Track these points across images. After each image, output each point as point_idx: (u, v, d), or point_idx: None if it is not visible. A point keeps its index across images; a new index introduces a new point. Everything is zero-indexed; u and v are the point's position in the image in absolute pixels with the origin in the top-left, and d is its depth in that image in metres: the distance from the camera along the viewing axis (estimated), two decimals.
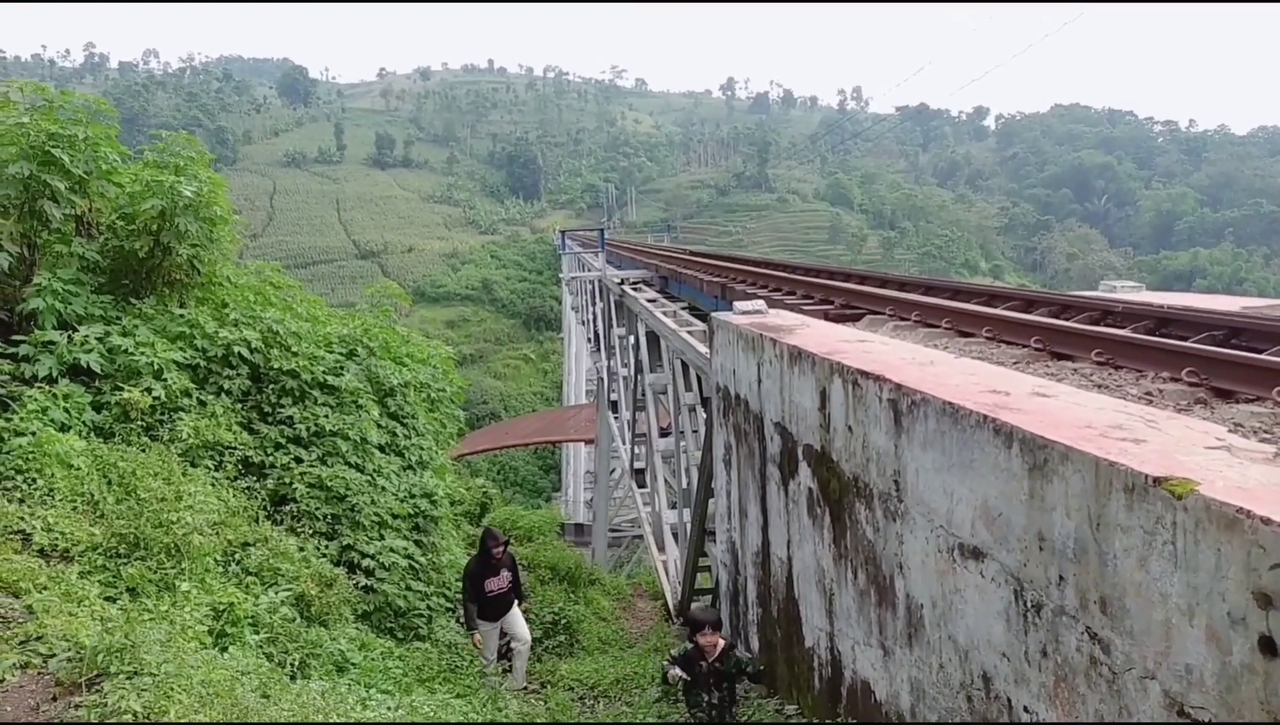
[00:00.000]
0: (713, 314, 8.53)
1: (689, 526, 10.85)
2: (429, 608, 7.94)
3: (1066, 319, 6.03)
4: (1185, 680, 2.69)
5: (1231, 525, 2.43)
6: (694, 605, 6.29)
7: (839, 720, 5.58)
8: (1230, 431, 3.31)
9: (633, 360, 17.26)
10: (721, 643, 6.05)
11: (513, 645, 8.70)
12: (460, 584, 8.67)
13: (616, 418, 22.60)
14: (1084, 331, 5.33)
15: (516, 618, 8.77)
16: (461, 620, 8.65)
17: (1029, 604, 3.46)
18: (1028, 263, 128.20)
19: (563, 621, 10.09)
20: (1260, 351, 4.29)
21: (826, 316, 8.07)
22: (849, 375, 5.01)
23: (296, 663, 4.89)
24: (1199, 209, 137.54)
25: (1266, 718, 2.39)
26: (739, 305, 7.89)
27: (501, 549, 8.47)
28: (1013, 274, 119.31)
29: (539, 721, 5.81)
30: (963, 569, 3.95)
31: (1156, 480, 2.71)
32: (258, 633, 4.77)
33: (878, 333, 7.06)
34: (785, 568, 6.52)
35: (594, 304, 27.46)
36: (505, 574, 8.55)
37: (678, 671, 5.88)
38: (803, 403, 5.80)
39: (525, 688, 8.45)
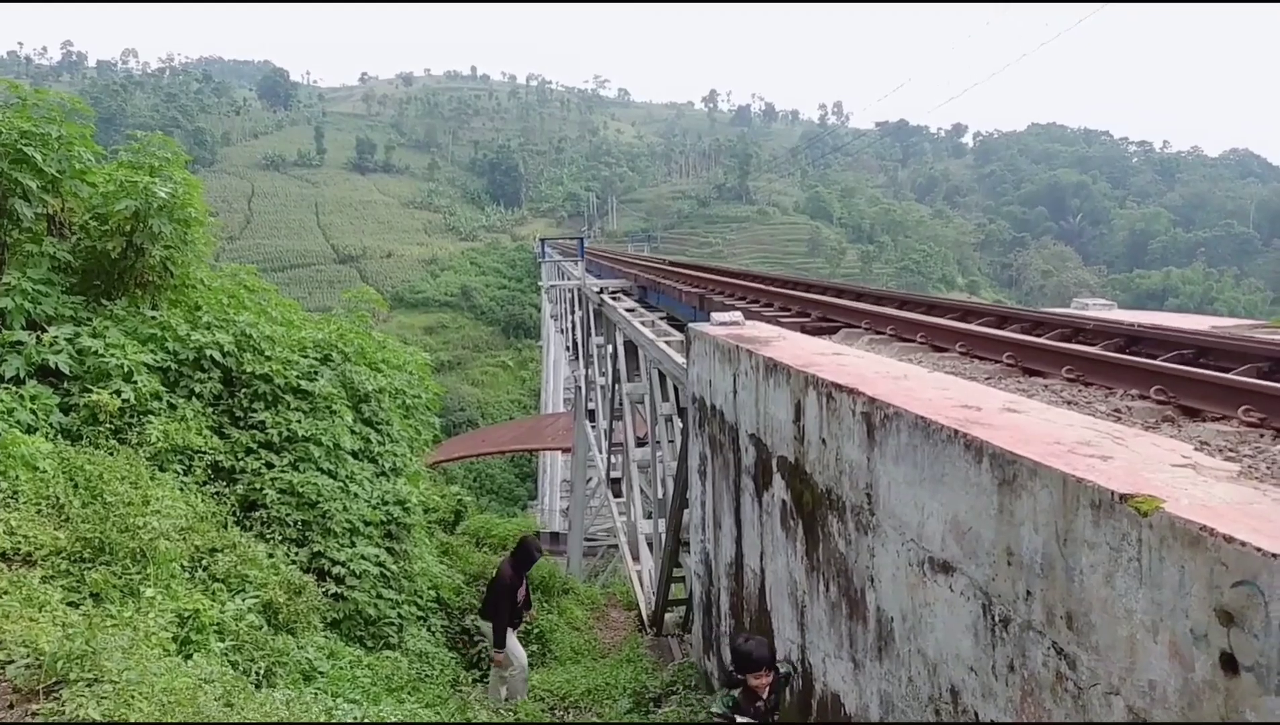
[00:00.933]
0: (690, 325, 8.55)
1: (664, 536, 10.84)
2: (400, 616, 7.85)
3: (1038, 336, 6.09)
4: (1149, 696, 2.71)
5: (1195, 543, 2.46)
6: (741, 639, 5.12)
7: None
8: (1196, 449, 3.36)
9: (610, 369, 17.25)
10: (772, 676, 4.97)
11: (516, 668, 8.55)
12: (483, 595, 8.59)
13: (594, 427, 22.56)
14: (1055, 348, 5.38)
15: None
16: (478, 627, 8.59)
17: (997, 618, 3.48)
18: (1003, 279, 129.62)
19: (535, 631, 10.03)
20: (1228, 371, 4.35)
21: (803, 329, 8.10)
22: (823, 388, 5.03)
23: (262, 671, 4.82)
24: (1172, 229, 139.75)
25: None
26: (716, 316, 7.91)
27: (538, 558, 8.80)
28: (989, 290, 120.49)
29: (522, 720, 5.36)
30: (932, 583, 3.97)
31: (1123, 497, 2.74)
32: (223, 640, 4.71)
33: (853, 346, 7.10)
34: (758, 579, 6.52)
35: (573, 312, 27.42)
36: (525, 583, 8.70)
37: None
38: (777, 414, 5.81)
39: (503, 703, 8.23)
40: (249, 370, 7.72)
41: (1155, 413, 4.02)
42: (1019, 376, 5.25)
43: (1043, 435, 3.51)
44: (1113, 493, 2.77)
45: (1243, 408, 3.72)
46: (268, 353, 7.96)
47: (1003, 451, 3.34)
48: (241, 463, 7.29)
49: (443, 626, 9.20)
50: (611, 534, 26.87)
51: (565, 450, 35.38)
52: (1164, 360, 4.78)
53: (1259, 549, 2.26)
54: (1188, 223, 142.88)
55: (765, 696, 4.75)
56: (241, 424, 7.58)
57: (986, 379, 5.28)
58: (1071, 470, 3.00)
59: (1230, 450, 3.38)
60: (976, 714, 3.70)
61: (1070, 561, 3.01)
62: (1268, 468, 3.09)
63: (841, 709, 5.15)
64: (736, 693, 4.75)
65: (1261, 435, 3.55)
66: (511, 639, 8.42)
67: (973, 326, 6.61)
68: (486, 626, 8.43)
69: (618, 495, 19.04)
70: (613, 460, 19.21)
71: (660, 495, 12.07)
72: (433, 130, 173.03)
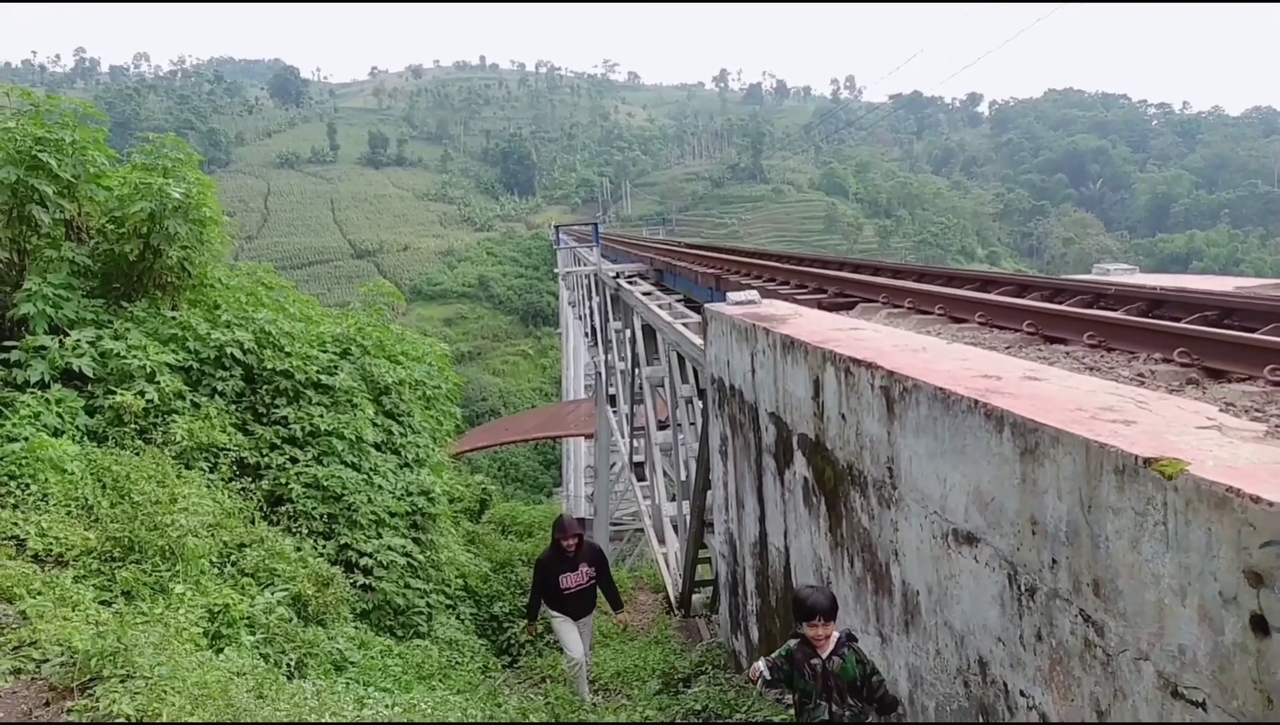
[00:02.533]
0: (706, 306, 8.52)
1: (688, 518, 10.85)
2: (428, 605, 7.92)
3: (1059, 303, 6.02)
4: (1179, 661, 2.68)
5: (1222, 504, 2.42)
6: (799, 585, 4.77)
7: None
8: (1221, 411, 3.30)
9: (629, 354, 17.24)
10: (836, 634, 4.36)
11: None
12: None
13: (615, 412, 22.58)
14: (1076, 315, 5.31)
15: (587, 627, 8.04)
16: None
17: (1023, 588, 3.45)
18: (1024, 248, 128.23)
19: None
20: (1253, 331, 4.28)
21: (820, 305, 8.05)
22: (841, 363, 4.99)
23: (293, 663, 4.88)
24: (1194, 191, 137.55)
25: (1259, 697, 2.39)
26: (732, 296, 7.87)
27: (574, 542, 7.64)
28: (1009, 260, 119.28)
29: (534, 722, 5.13)
30: (957, 554, 3.94)
31: (1147, 461, 2.70)
32: (254, 634, 4.76)
33: (870, 321, 7.04)
34: (783, 557, 6.51)
35: (590, 299, 27.42)
36: (586, 570, 7.75)
37: (761, 667, 4.34)
38: (796, 392, 5.78)
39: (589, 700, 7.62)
40: (270, 367, 7.78)
41: (1179, 376, 3.96)
42: (1040, 344, 5.19)
43: (1064, 402, 3.46)
44: (1136, 457, 2.73)
45: (1269, 367, 3.66)
46: (288, 349, 8.02)
47: (1024, 420, 3.30)
48: (266, 458, 7.36)
49: (471, 614, 9.28)
50: (637, 518, 26.96)
51: (588, 436, 35.51)
52: (1187, 322, 4.70)
53: None
54: (1210, 184, 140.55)
55: (825, 656, 4.15)
56: (265, 420, 7.65)
57: (1006, 348, 5.22)
58: (1094, 436, 2.96)
59: (1256, 410, 3.32)
60: (1005, 684, 3.68)
61: (1095, 528, 2.97)
62: None
63: None
64: (793, 643, 4.25)
65: None
66: (563, 627, 7.83)
67: (991, 296, 6.54)
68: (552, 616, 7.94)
69: (641, 479, 19.10)
70: (635, 444, 19.24)
71: (683, 477, 12.07)
72: (444, 122, 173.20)
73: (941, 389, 3.89)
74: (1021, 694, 3.62)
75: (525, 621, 8.04)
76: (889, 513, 4.61)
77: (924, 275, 8.66)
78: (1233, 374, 3.86)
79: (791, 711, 4.84)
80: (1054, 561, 3.23)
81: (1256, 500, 2.31)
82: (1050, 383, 3.88)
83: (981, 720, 4.02)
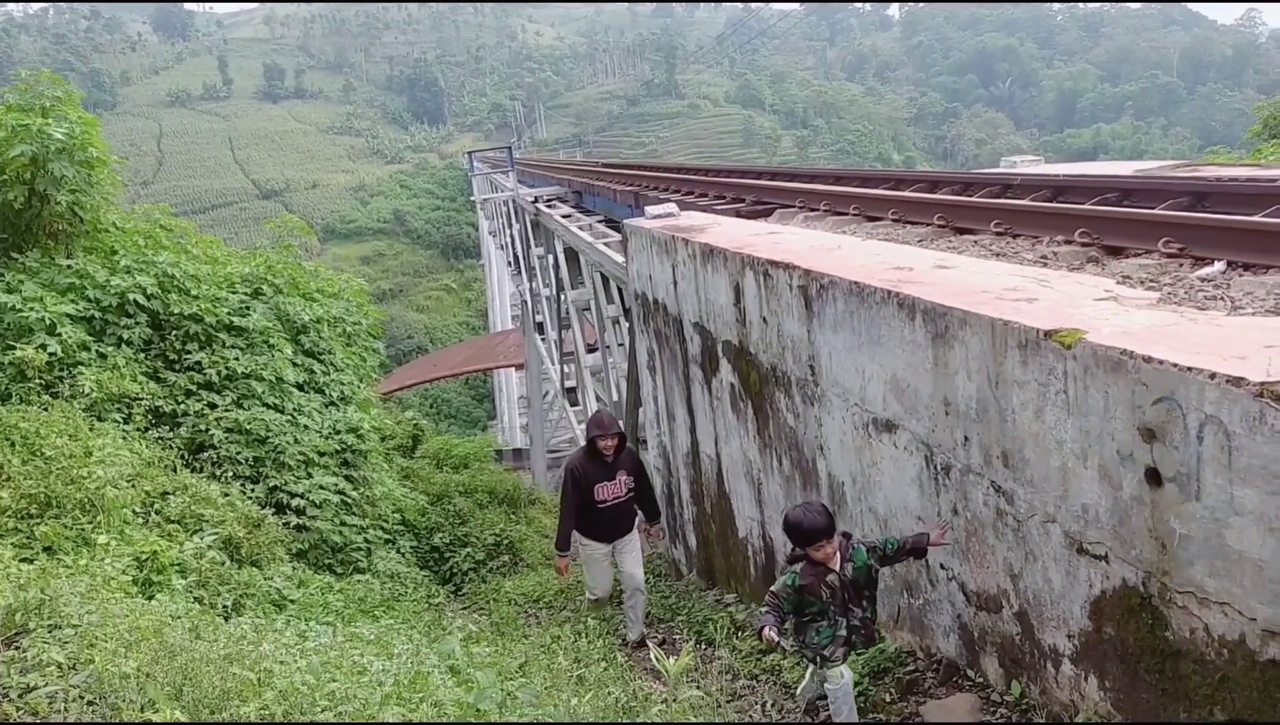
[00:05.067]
0: (625, 221, 8.46)
1: None
2: (366, 541, 7.89)
3: (969, 196, 6.14)
4: (1083, 519, 2.85)
5: (1117, 367, 2.54)
6: (787, 509, 4.10)
7: None
8: (1118, 283, 3.45)
9: (554, 279, 17.10)
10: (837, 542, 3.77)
11: (623, 589, 6.51)
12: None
13: (544, 339, 22.49)
14: (984, 205, 5.44)
15: (633, 547, 6.48)
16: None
17: (939, 467, 3.60)
18: (938, 151, 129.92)
19: (505, 542, 10.18)
20: (1151, 209, 4.44)
21: (738, 214, 8.07)
22: (760, 267, 5.04)
23: (230, 604, 4.84)
24: (1099, 85, 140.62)
25: (1154, 544, 2.56)
26: (650, 210, 7.82)
27: (613, 441, 6.17)
28: (925, 163, 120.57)
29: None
30: (878, 442, 4.08)
31: (1048, 333, 2.81)
32: (185, 578, 4.70)
33: (788, 225, 7.10)
34: (714, 464, 6.66)
35: (510, 226, 26.95)
36: (624, 478, 6.28)
37: (771, 634, 3.60)
38: (718, 300, 5.83)
39: (641, 640, 6.26)
40: (177, 311, 7.48)
41: (1081, 255, 4.11)
42: (950, 236, 5.31)
43: (972, 286, 3.57)
44: (1038, 331, 2.84)
45: (1163, 240, 3.81)
46: (194, 292, 7.71)
47: (934, 305, 3.40)
48: (183, 405, 7.14)
49: (411, 547, 9.29)
50: (573, 444, 27.13)
51: (518, 366, 35.36)
52: (1090, 205, 4.85)
53: (1175, 365, 2.35)
54: (1114, 77, 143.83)
55: (838, 568, 3.68)
56: (177, 367, 7.39)
57: (919, 242, 5.33)
58: (999, 315, 3.06)
59: (1151, 281, 3.47)
60: (927, 559, 3.86)
61: (1002, 403, 3.10)
62: (1185, 292, 3.18)
63: None
64: (797, 569, 3.74)
65: (1180, 264, 3.65)
66: (590, 558, 6.48)
67: (904, 193, 6.64)
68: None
69: (574, 404, 19.14)
70: (566, 370, 19.25)
71: (615, 398, 12.16)
72: (343, 49, 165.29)
73: (856, 283, 3.97)
74: (941, 567, 3.81)
75: (560, 554, 6.49)
76: (813, 409, 4.73)
77: (839, 178, 8.73)
78: (1130, 250, 4.02)
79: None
80: (966, 439, 3.37)
81: (1148, 360, 2.44)
82: (959, 270, 3.99)
83: (907, 595, 4.23)
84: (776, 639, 3.61)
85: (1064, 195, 5.53)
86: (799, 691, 4.35)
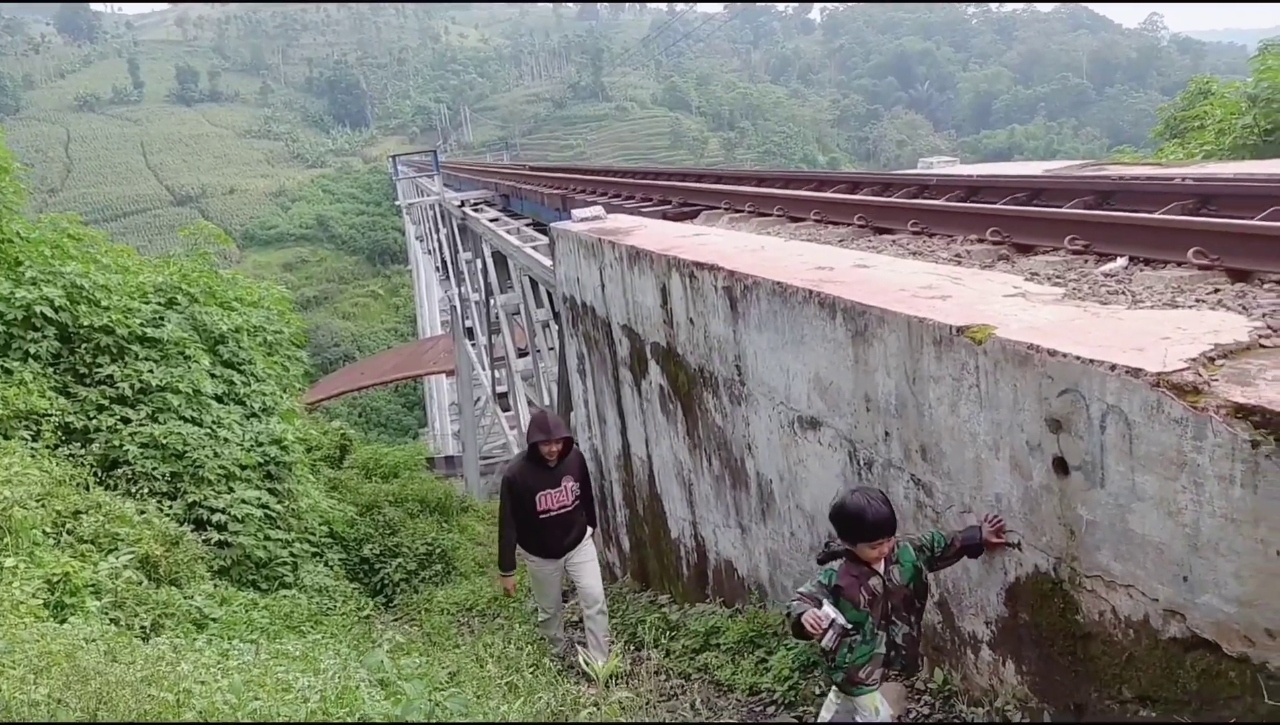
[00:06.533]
0: (552, 225, 8.43)
1: None
2: (292, 555, 7.69)
3: (887, 196, 6.29)
4: (996, 508, 2.93)
5: (1024, 361, 2.63)
6: (845, 496, 3.05)
7: (709, 602, 5.82)
8: (1027, 280, 3.57)
9: (482, 284, 16.93)
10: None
11: (582, 607, 5.81)
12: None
13: (474, 344, 22.25)
14: (902, 205, 5.58)
15: (587, 558, 5.78)
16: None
17: (862, 462, 3.68)
18: (861, 152, 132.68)
19: (438, 551, 10.04)
20: (1059, 207, 4.61)
21: (665, 216, 8.11)
22: (686, 268, 5.07)
23: (148, 624, 4.66)
24: (1013, 87, 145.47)
25: (1063, 530, 2.65)
26: (577, 212, 7.82)
27: (556, 446, 5.47)
28: (849, 165, 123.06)
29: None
30: (803, 440, 4.14)
31: (960, 330, 2.89)
32: (100, 599, 4.51)
33: (714, 226, 7.17)
34: (646, 466, 6.67)
35: (438, 231, 26.60)
36: (570, 485, 5.60)
37: (828, 611, 2.94)
38: (646, 302, 5.85)
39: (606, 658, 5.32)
40: (87, 323, 7.19)
41: (992, 253, 4.24)
42: (870, 236, 5.43)
43: (890, 285, 3.66)
44: (951, 327, 2.93)
45: (1069, 238, 3.96)
46: (104, 303, 7.41)
47: (853, 304, 3.47)
48: (95, 421, 6.86)
49: (340, 560, 9.10)
50: (506, 450, 26.89)
51: (449, 373, 34.95)
52: (1001, 205, 5.02)
53: (1078, 357, 2.44)
54: (1027, 79, 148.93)
55: (883, 572, 3.01)
56: (88, 381, 7.10)
57: (840, 242, 5.43)
58: (915, 312, 3.14)
59: (1058, 277, 3.60)
60: None
61: (919, 398, 3.18)
62: (1089, 288, 3.31)
63: (735, 573, 5.40)
64: (836, 565, 3.05)
65: (1085, 261, 3.80)
66: (539, 572, 5.81)
67: (826, 194, 6.77)
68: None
69: (506, 409, 19.00)
70: (497, 375, 19.09)
71: (547, 402, 12.09)
72: (259, 51, 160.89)
73: (779, 283, 4.02)
74: None
75: (504, 575, 5.91)
76: (740, 409, 4.78)
77: (763, 179, 8.85)
78: (1039, 247, 4.17)
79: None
80: (887, 434, 3.44)
81: (1053, 353, 2.53)
82: (877, 269, 4.08)
83: None
84: (833, 615, 2.91)
85: (977, 195, 5.71)
86: None
